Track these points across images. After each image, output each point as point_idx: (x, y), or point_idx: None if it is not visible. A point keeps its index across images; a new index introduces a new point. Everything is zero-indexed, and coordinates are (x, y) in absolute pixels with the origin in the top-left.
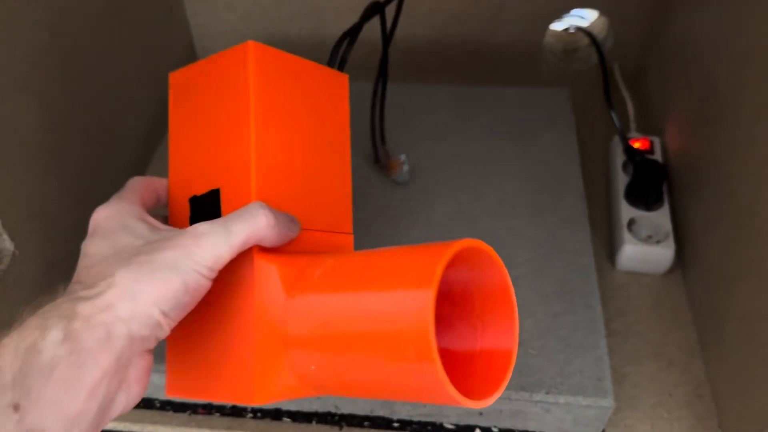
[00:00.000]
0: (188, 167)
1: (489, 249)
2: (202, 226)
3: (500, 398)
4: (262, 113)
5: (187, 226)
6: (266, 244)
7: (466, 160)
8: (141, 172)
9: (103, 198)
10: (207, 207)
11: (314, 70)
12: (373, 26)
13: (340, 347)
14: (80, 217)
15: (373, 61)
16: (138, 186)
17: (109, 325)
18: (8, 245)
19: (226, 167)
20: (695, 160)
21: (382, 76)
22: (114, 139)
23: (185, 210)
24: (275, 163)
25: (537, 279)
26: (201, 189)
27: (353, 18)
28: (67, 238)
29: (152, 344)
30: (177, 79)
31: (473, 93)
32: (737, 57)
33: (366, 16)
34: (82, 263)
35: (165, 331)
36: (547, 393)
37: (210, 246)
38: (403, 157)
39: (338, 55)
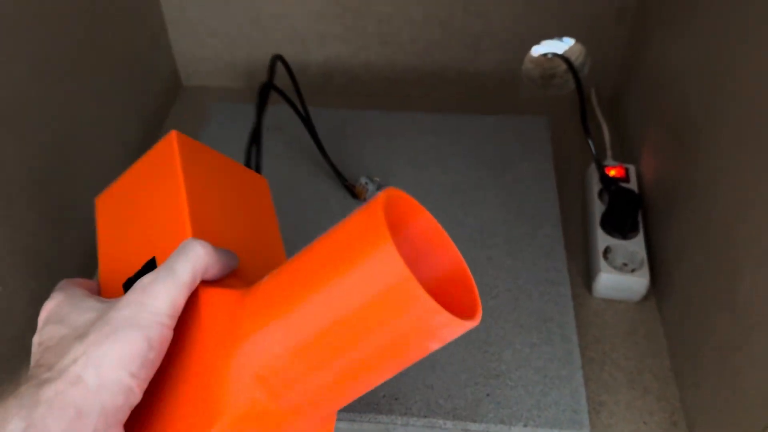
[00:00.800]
0: (119, 262)
1: (408, 196)
2: (146, 278)
3: (478, 431)
4: (193, 188)
5: None
6: (209, 275)
7: (445, 188)
8: None
9: (85, 229)
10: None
11: (234, 165)
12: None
13: (331, 345)
14: (62, 249)
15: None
16: (72, 281)
17: (78, 403)
18: None
19: (160, 241)
20: (670, 188)
21: (303, 118)
22: (96, 170)
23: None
24: (209, 235)
25: (514, 309)
26: (134, 270)
27: (336, 44)
28: (50, 271)
29: (126, 414)
30: (103, 200)
31: (453, 121)
32: (711, 87)
33: (261, 101)
34: (39, 349)
35: (137, 395)
36: (525, 426)
37: (161, 292)
38: (363, 180)
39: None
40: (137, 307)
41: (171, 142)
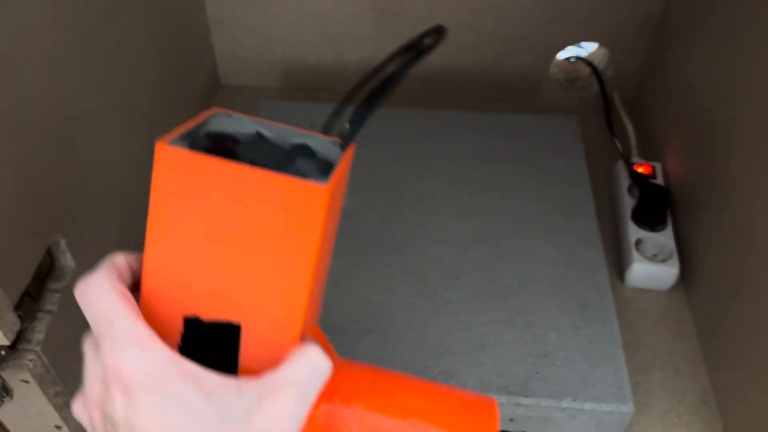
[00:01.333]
0: (178, 267)
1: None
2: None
3: (530, 405)
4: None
5: (173, 345)
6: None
7: (483, 182)
8: None
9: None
10: (216, 341)
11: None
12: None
13: None
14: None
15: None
16: (115, 273)
17: None
18: (70, 263)
19: (251, 297)
20: (695, 185)
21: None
22: (127, 167)
23: (173, 322)
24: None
25: (556, 295)
26: (202, 308)
27: (372, 47)
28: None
29: None
30: (169, 156)
31: (484, 119)
32: (731, 93)
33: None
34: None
35: None
36: (574, 400)
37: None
38: None
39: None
40: None
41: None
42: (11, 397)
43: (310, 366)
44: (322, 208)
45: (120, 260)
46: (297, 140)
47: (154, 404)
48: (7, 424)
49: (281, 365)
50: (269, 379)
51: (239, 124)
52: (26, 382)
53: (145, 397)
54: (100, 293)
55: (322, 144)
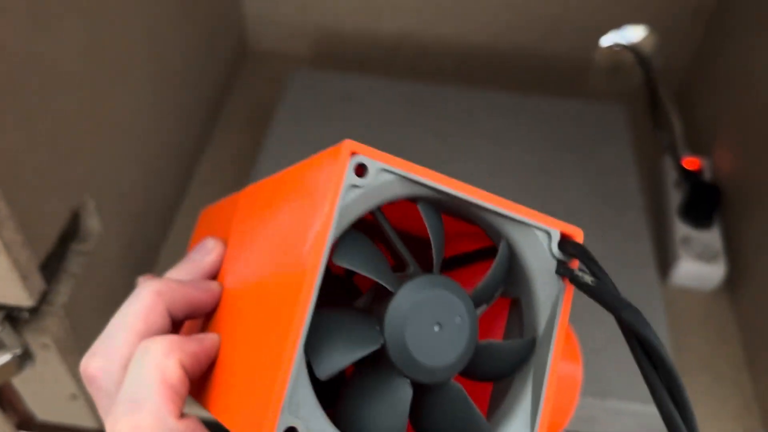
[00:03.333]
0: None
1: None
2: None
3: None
4: None
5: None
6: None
7: (529, 168)
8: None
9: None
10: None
11: None
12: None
13: None
14: (154, 191)
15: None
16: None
17: None
18: (97, 226)
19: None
20: (750, 183)
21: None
22: (181, 126)
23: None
24: None
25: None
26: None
27: (411, 18)
28: (142, 219)
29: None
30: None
31: (529, 102)
32: None
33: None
34: None
35: None
36: (619, 400)
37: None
38: None
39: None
40: None
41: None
42: (33, 362)
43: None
44: None
45: (174, 367)
46: (489, 222)
47: None
48: (21, 391)
49: None
50: None
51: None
52: (46, 346)
53: None
54: None
55: (530, 242)
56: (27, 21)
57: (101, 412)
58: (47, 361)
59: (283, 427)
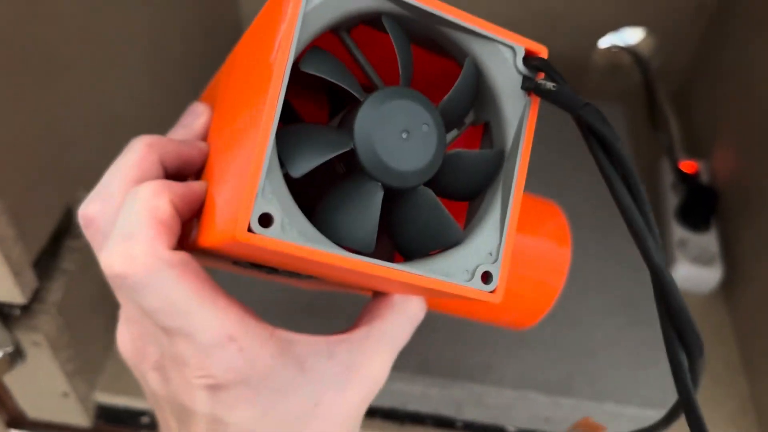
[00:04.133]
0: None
1: None
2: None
3: (570, 405)
4: None
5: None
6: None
7: (529, 167)
8: None
9: None
10: None
11: None
12: None
13: None
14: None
15: None
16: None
17: None
18: None
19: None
20: (748, 187)
21: None
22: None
23: None
24: None
25: (603, 292)
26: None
27: None
28: None
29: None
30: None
31: None
32: None
33: None
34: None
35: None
36: (616, 403)
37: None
38: None
39: None
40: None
41: None
42: (24, 360)
43: (408, 321)
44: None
45: (163, 203)
46: (453, 40)
47: (254, 398)
48: (12, 388)
49: (375, 319)
50: (362, 336)
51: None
52: (38, 344)
53: (241, 393)
54: (155, 281)
55: (495, 58)
56: (25, 7)
57: (97, 250)
58: (39, 359)
59: (258, 212)
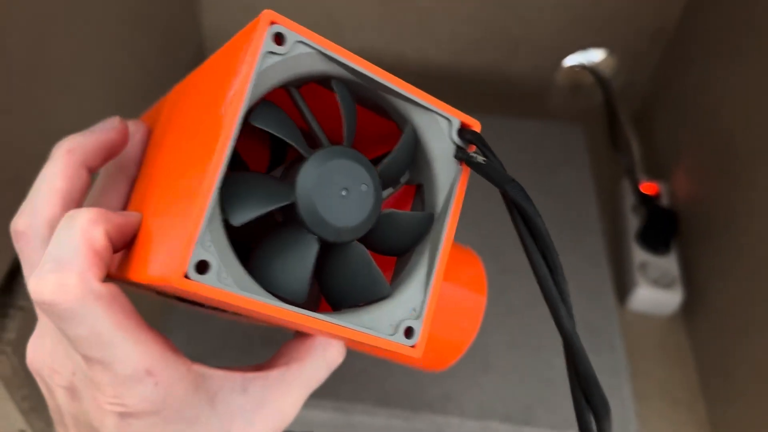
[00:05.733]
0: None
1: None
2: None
3: None
4: None
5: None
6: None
7: (485, 189)
8: None
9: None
10: None
11: None
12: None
13: None
14: None
15: None
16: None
17: None
18: None
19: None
20: (707, 209)
21: None
22: None
23: None
24: None
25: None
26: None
27: (373, 35)
28: None
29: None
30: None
31: (489, 121)
32: (759, 116)
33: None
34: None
35: None
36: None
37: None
38: None
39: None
40: None
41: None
42: None
43: (325, 366)
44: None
45: (98, 236)
46: (396, 107)
47: (161, 427)
48: None
49: (293, 361)
50: (278, 375)
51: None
52: None
53: (150, 423)
54: (83, 311)
55: (432, 129)
56: None
57: (26, 267)
58: None
59: (196, 260)
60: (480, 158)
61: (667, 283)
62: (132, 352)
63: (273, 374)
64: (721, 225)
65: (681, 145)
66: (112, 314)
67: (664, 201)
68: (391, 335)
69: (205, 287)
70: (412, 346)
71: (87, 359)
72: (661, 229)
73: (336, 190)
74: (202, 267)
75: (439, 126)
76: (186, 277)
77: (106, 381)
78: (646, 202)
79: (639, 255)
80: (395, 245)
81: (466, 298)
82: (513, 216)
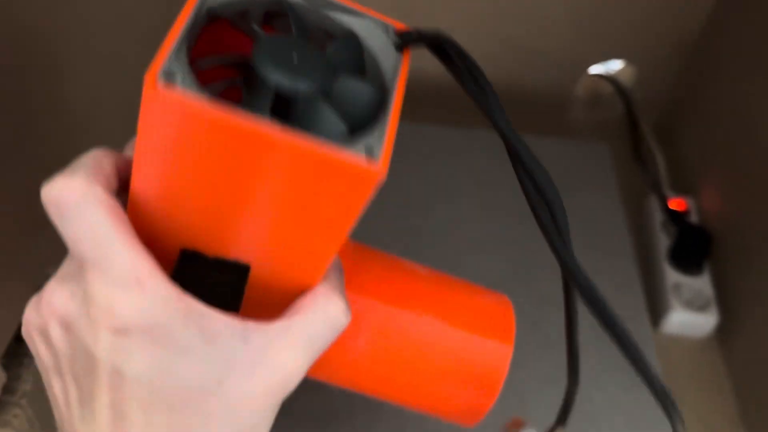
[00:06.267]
0: (178, 199)
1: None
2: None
3: None
4: None
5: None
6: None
7: (510, 211)
8: None
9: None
10: (218, 279)
11: None
12: None
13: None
14: None
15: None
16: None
17: None
18: None
19: (268, 246)
20: (741, 227)
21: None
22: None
23: (165, 249)
24: None
25: (600, 348)
26: (204, 243)
27: None
28: None
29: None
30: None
31: None
32: None
33: None
34: None
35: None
36: None
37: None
38: None
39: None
40: None
41: None
42: None
43: (327, 322)
44: (372, 188)
45: (107, 163)
46: (338, 21)
47: (152, 350)
48: None
49: (295, 314)
50: (280, 328)
51: None
52: None
53: (141, 342)
54: (85, 208)
55: (371, 32)
56: None
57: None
58: None
59: (166, 68)
60: (413, 33)
61: (701, 306)
62: (125, 255)
63: (275, 327)
64: (757, 243)
65: (709, 158)
66: (111, 219)
67: (694, 218)
68: (349, 146)
69: (175, 94)
70: (374, 161)
71: (83, 267)
72: (693, 248)
73: (289, 54)
74: (169, 75)
75: (379, 31)
76: (157, 86)
77: (98, 287)
78: (676, 219)
79: (672, 276)
80: (351, 111)
81: (489, 348)
82: (454, 70)
